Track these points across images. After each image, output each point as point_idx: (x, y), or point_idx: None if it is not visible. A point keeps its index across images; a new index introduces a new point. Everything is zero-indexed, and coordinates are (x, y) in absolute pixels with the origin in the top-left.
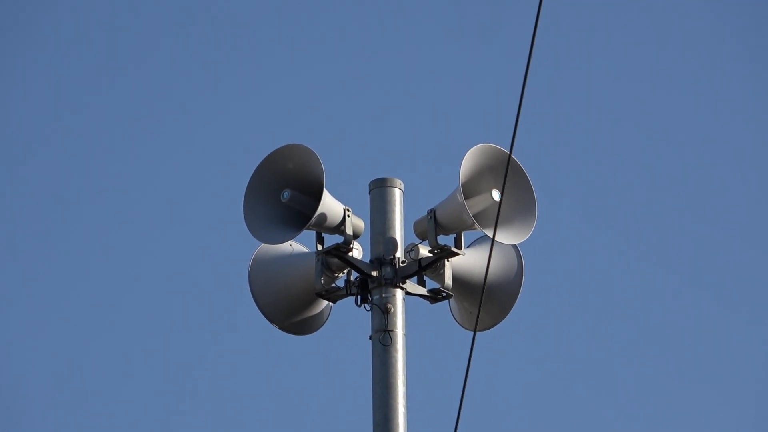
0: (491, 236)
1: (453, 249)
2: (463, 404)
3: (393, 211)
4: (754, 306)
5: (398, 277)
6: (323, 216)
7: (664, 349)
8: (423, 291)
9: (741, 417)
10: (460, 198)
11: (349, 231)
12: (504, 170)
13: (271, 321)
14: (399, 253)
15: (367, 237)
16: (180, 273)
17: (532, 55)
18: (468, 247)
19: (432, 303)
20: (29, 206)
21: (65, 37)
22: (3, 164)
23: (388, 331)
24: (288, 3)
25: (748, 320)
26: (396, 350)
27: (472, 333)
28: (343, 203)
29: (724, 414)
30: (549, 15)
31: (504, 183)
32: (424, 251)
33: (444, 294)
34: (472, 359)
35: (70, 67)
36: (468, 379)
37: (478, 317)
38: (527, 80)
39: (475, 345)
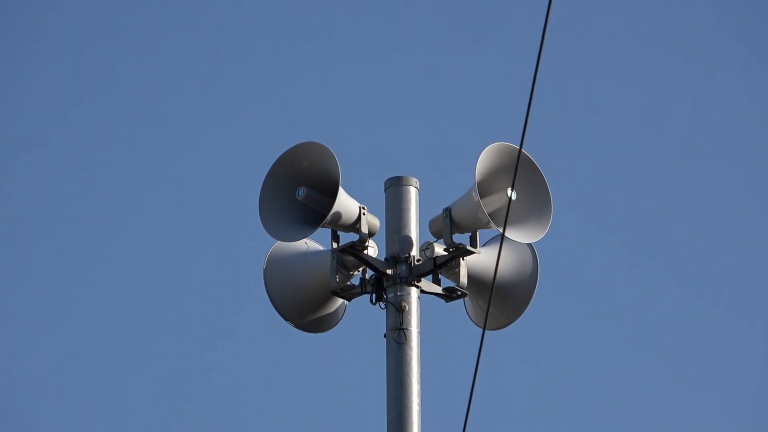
0: (506, 235)
1: (468, 247)
2: (472, 402)
3: (408, 210)
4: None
5: (413, 276)
6: (338, 214)
7: (678, 351)
8: (438, 289)
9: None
10: (476, 196)
11: (365, 229)
12: (521, 169)
13: (286, 319)
14: (414, 252)
15: (382, 235)
16: (195, 270)
17: (542, 54)
18: (483, 245)
19: (447, 301)
20: (39, 204)
21: (76, 34)
22: (11, 162)
23: (403, 329)
24: (304, 0)
25: (757, 323)
26: (410, 348)
27: (482, 330)
28: (358, 201)
29: (734, 419)
30: (564, 16)
31: (514, 179)
32: (440, 250)
33: (459, 292)
34: (481, 357)
35: (81, 65)
36: (478, 377)
37: (487, 314)
38: (537, 79)
39: (484, 343)
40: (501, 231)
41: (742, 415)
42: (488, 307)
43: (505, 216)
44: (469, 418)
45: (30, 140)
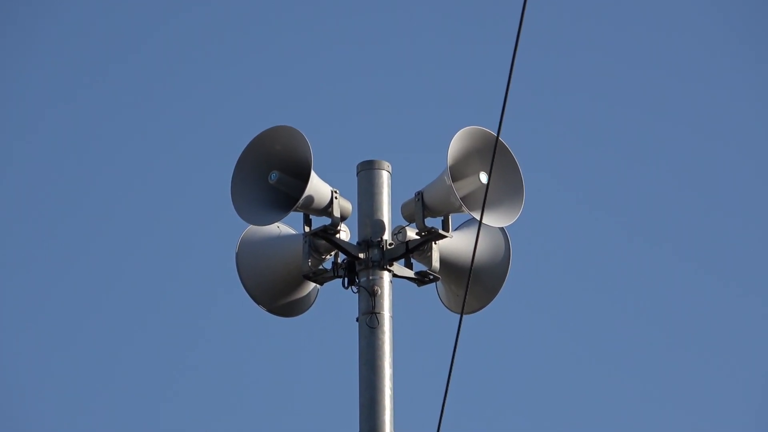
0: (479, 219)
1: (440, 231)
2: (449, 388)
3: (381, 194)
4: (743, 277)
5: (385, 260)
6: (311, 198)
7: (654, 329)
8: (410, 273)
9: (725, 386)
10: (448, 180)
11: (337, 213)
12: (492, 153)
13: (258, 303)
14: (386, 236)
15: (354, 219)
16: (168, 255)
17: (520, 38)
18: (455, 229)
19: (419, 285)
20: (23, 199)
21: (50, 34)
22: None
23: (375, 313)
24: None
25: (736, 292)
26: (383, 332)
27: (459, 315)
28: (330, 185)
29: (711, 389)
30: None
31: (491, 165)
32: (412, 234)
33: (431, 276)
34: (458, 342)
35: (55, 63)
36: (454, 362)
37: (465, 299)
38: (515, 63)
39: (461, 328)
40: (473, 215)
41: (740, 409)
42: (466, 292)
43: (483, 201)
44: (444, 404)
45: (19, 138)
